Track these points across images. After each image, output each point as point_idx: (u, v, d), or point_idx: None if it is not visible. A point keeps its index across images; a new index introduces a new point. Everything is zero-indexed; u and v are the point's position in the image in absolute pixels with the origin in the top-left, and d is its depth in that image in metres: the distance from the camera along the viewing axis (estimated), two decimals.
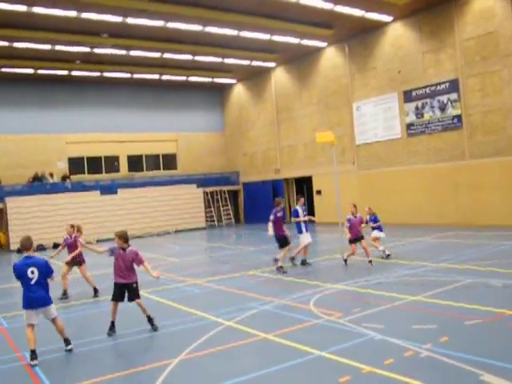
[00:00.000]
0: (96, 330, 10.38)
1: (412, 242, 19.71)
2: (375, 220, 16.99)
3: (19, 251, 21.98)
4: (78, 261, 14.23)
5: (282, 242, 15.73)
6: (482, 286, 11.32)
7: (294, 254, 16.55)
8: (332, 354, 7.64)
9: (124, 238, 10.06)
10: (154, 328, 9.86)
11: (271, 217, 15.55)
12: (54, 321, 8.87)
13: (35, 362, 8.22)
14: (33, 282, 8.51)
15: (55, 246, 28.77)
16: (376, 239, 16.86)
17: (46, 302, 8.66)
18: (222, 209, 38.90)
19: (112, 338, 9.62)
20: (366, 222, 16.80)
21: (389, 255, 16.20)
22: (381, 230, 16.96)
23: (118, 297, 9.97)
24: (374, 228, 16.94)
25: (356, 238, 15.61)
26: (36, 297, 8.52)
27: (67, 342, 8.98)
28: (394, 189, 26.97)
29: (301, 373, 7.11)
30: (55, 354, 8.90)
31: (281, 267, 15.41)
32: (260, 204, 34.11)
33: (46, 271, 8.70)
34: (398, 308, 10.09)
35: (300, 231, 16.40)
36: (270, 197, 34.69)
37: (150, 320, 9.95)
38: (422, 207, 25.40)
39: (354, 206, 16.03)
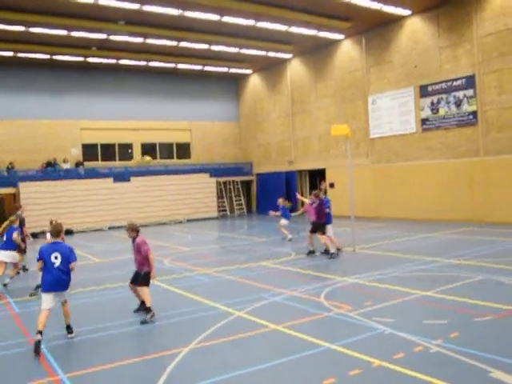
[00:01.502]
0: (106, 317, 10.49)
1: (425, 237, 19.66)
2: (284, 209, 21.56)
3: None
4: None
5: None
6: (494, 283, 11.30)
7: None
8: (342, 347, 7.68)
9: (131, 228, 10.36)
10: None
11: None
12: (64, 303, 9.17)
13: (39, 337, 8.28)
14: (55, 266, 8.84)
15: (68, 232, 29.01)
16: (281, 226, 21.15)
17: (65, 286, 9.03)
18: (234, 199, 38.97)
19: (121, 326, 9.69)
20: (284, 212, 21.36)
21: (290, 239, 20.38)
22: (287, 218, 21.38)
23: (132, 280, 10.51)
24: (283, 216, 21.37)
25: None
26: (56, 280, 8.83)
27: (70, 329, 9.15)
28: (407, 183, 26.87)
29: (310, 365, 7.16)
30: (66, 339, 9.02)
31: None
32: (273, 195, 33.94)
33: (68, 257, 8.97)
34: (408, 303, 10.10)
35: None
36: (283, 188, 34.80)
37: (147, 309, 10.01)
38: (435, 203, 25.29)
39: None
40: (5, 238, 14.05)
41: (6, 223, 14.48)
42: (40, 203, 29.67)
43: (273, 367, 7.13)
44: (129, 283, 10.62)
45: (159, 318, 9.97)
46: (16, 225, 14.44)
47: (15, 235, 13.94)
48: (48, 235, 11.70)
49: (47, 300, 8.79)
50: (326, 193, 17.24)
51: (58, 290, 8.93)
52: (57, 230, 9.28)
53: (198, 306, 10.83)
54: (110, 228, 31.09)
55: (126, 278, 13.92)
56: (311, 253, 16.87)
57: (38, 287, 12.31)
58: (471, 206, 23.90)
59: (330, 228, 16.57)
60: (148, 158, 32.17)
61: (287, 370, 7.05)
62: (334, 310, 9.81)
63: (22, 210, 16.43)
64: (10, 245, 14.00)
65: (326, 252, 16.53)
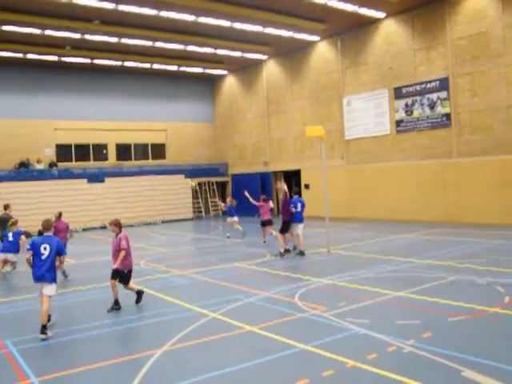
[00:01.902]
0: (79, 319, 10.38)
1: (399, 238, 19.82)
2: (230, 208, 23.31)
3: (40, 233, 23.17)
4: None
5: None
6: (467, 283, 11.43)
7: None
8: (316, 347, 7.69)
9: (114, 223, 11.11)
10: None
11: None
12: (43, 298, 9.30)
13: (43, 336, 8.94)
14: (43, 257, 9.30)
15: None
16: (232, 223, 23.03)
17: (45, 278, 9.27)
18: (209, 200, 38.87)
19: (96, 328, 9.59)
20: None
21: (229, 237, 22.39)
22: (232, 216, 23.14)
23: (114, 276, 10.98)
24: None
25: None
26: (40, 271, 9.25)
27: (44, 329, 9.04)
28: (381, 185, 27.08)
29: (284, 366, 7.16)
30: (39, 342, 8.88)
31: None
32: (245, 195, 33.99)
33: (57, 249, 9.47)
34: (382, 303, 10.17)
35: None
36: (258, 189, 34.78)
37: (138, 293, 11.24)
38: (409, 204, 25.53)
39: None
40: (10, 239, 14.84)
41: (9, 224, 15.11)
42: (12, 204, 29.11)
43: (247, 368, 7.11)
44: (110, 280, 10.90)
45: (133, 320, 9.89)
46: (16, 227, 15.02)
47: (23, 239, 14.82)
48: None
49: (39, 289, 9.37)
50: (300, 194, 17.46)
51: (40, 281, 9.27)
52: (48, 224, 9.93)
53: (172, 307, 10.77)
54: (84, 229, 30.75)
55: (102, 279, 13.91)
56: (287, 252, 16.99)
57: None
58: (444, 207, 24.19)
59: (300, 227, 16.85)
60: (193, 183, 31.72)
61: (261, 371, 7.03)
62: (308, 310, 9.82)
63: (10, 209, 16.63)
64: (13, 247, 14.89)
65: (298, 251, 16.93)
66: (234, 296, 11.38)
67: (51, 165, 33.01)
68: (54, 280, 9.39)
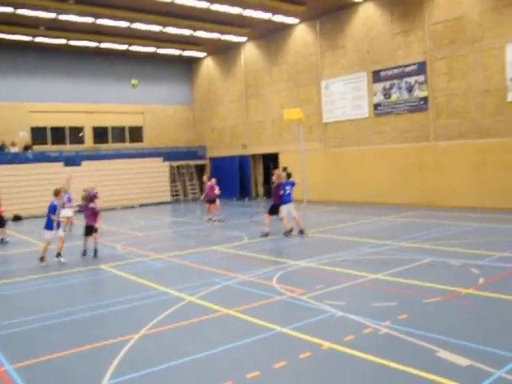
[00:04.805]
0: (55, 304, 10.30)
1: (376, 220, 19.96)
2: None
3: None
4: None
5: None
6: (442, 265, 11.56)
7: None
8: (293, 330, 7.73)
9: (86, 199, 15.59)
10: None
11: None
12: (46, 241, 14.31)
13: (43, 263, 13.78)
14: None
15: (16, 218, 28.31)
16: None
17: (46, 226, 14.23)
18: (187, 183, 38.71)
19: (72, 313, 9.51)
20: None
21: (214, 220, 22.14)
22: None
23: (87, 232, 15.33)
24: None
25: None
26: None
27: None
28: (360, 168, 27.17)
29: (262, 348, 7.19)
30: (14, 328, 8.78)
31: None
32: (226, 179, 33.97)
33: (49, 210, 14.08)
34: (359, 286, 10.24)
35: None
36: (237, 172, 34.77)
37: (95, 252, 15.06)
38: (387, 187, 25.68)
39: None
40: None
41: None
42: None
43: (224, 351, 7.12)
44: (85, 236, 15.27)
45: (110, 305, 9.84)
46: None
47: None
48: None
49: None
50: (289, 176, 17.80)
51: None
52: (55, 191, 14.69)
53: (150, 291, 10.72)
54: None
55: (78, 264, 13.87)
56: (265, 235, 17.26)
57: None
58: (421, 190, 24.38)
59: (291, 208, 17.31)
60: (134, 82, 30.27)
61: (239, 354, 7.05)
62: (286, 293, 9.86)
63: None
64: None
65: (286, 233, 17.33)
66: (212, 279, 11.37)
67: (26, 148, 32.54)
68: (48, 228, 14.16)
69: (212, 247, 15.84)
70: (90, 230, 15.49)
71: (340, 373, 6.33)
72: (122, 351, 7.29)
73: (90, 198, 15.87)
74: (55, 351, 7.49)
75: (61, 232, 14.60)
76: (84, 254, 15.43)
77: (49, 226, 14.28)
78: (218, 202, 22.44)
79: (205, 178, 24.30)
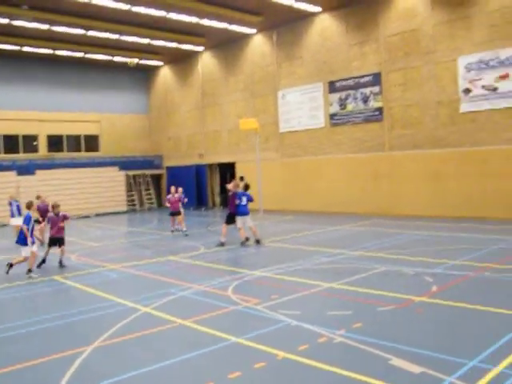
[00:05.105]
0: (9, 316, 10.03)
1: (332, 230, 20.11)
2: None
3: None
4: None
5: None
6: (396, 273, 11.71)
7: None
8: (248, 340, 7.69)
9: (53, 206, 15.15)
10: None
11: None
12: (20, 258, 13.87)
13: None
14: None
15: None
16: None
17: (20, 242, 13.70)
18: (143, 193, 38.33)
19: (28, 325, 9.26)
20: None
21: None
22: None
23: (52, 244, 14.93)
24: None
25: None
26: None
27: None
28: (316, 177, 27.39)
29: (216, 359, 7.12)
30: None
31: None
32: (183, 188, 33.73)
33: (24, 222, 13.58)
34: (314, 295, 10.28)
35: None
36: (194, 181, 34.61)
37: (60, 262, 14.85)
38: (343, 196, 25.94)
39: None
40: None
41: None
42: None
43: (179, 363, 7.04)
44: (49, 248, 14.96)
45: (64, 316, 9.62)
46: None
47: None
48: None
49: None
50: (247, 188, 17.74)
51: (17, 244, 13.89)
52: (28, 204, 14.27)
53: (104, 302, 10.53)
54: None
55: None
56: (221, 245, 17.22)
57: None
58: (377, 200, 24.71)
59: (248, 219, 17.28)
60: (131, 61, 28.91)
61: (194, 365, 6.97)
62: (241, 303, 9.82)
63: None
64: None
65: (242, 243, 17.29)
66: (167, 290, 11.25)
67: None
68: (21, 242, 13.69)
69: (168, 257, 15.69)
70: (56, 242, 15.03)
71: (295, 382, 6.30)
72: (75, 364, 7.11)
73: (44, 210, 15.62)
74: (7, 365, 7.27)
75: (34, 247, 13.96)
76: (43, 262, 14.91)
77: (23, 241, 13.70)
78: (182, 213, 21.78)
79: (172, 189, 22.52)
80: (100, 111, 37.64)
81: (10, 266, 13.91)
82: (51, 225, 15.06)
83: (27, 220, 13.69)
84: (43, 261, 14.89)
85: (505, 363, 6.38)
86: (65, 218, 15.19)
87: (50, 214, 15.23)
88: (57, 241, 14.96)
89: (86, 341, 8.07)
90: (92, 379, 6.61)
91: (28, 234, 13.58)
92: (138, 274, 13.48)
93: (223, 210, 30.13)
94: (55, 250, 15.15)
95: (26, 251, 13.67)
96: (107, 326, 8.82)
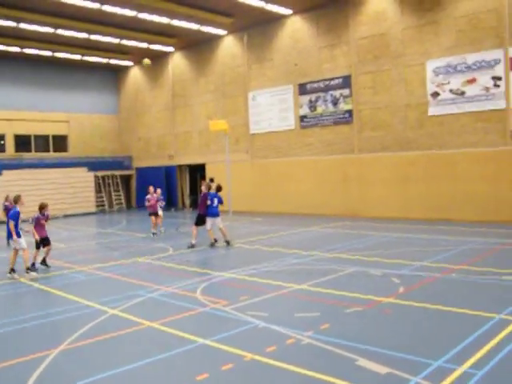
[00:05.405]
0: None
1: (302, 231, 20.18)
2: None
3: None
4: None
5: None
6: (364, 274, 11.80)
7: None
8: (216, 342, 7.66)
9: (41, 207, 14.76)
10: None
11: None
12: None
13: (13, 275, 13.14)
14: None
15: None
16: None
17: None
18: (113, 194, 37.97)
19: None
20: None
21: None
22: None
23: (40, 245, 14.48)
24: None
25: None
26: None
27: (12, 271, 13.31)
28: (286, 179, 27.48)
29: (184, 361, 7.09)
30: None
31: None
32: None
33: (13, 217, 13.60)
34: (282, 296, 10.29)
35: None
36: (163, 183, 34.40)
37: (43, 261, 14.71)
38: (313, 198, 26.07)
39: None
40: None
41: None
42: None
43: (146, 365, 6.97)
44: (38, 250, 14.51)
45: (28, 319, 9.46)
46: None
47: None
48: None
49: None
50: (219, 189, 17.68)
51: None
52: (15, 198, 14.23)
53: (71, 305, 10.38)
54: None
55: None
56: (192, 247, 17.12)
57: None
58: (346, 202, 24.90)
59: (218, 221, 17.25)
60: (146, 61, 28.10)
61: (161, 367, 6.92)
62: (209, 305, 9.78)
63: None
64: None
65: (212, 244, 17.32)
66: (135, 292, 11.15)
67: None
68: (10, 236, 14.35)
69: (136, 259, 15.56)
70: (43, 242, 14.69)
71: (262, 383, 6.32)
72: (40, 368, 6.98)
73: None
74: None
75: (24, 243, 13.65)
76: (34, 266, 14.44)
77: (17, 233, 13.53)
78: (161, 213, 21.67)
79: (151, 188, 21.95)
80: (69, 111, 37.17)
81: (12, 270, 13.59)
82: (39, 226, 14.71)
83: (15, 215, 13.53)
84: (33, 265, 14.48)
85: (469, 363, 6.48)
86: (48, 217, 15.09)
87: (37, 215, 14.76)
88: (45, 241, 14.72)
89: (52, 344, 7.96)
90: (58, 383, 6.52)
91: (13, 229, 13.38)
92: (106, 275, 13.34)
93: (193, 211, 30.00)
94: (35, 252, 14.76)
95: (14, 243, 13.68)
96: (74, 328, 8.70)
